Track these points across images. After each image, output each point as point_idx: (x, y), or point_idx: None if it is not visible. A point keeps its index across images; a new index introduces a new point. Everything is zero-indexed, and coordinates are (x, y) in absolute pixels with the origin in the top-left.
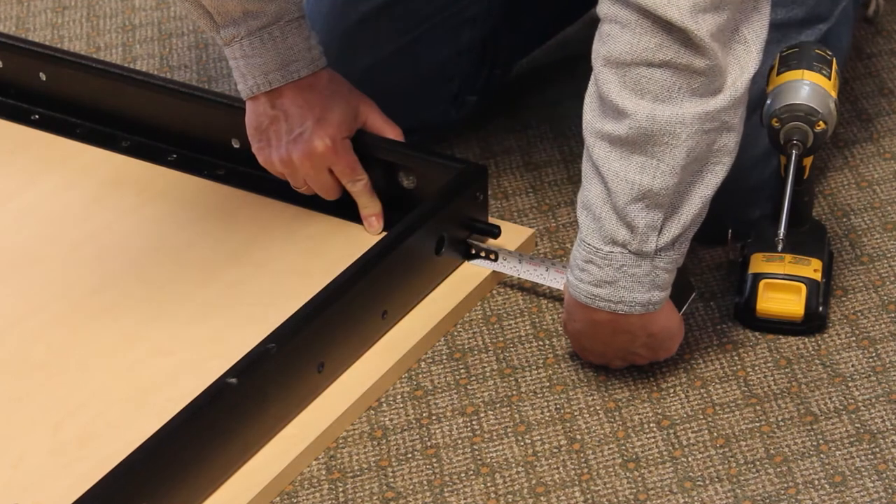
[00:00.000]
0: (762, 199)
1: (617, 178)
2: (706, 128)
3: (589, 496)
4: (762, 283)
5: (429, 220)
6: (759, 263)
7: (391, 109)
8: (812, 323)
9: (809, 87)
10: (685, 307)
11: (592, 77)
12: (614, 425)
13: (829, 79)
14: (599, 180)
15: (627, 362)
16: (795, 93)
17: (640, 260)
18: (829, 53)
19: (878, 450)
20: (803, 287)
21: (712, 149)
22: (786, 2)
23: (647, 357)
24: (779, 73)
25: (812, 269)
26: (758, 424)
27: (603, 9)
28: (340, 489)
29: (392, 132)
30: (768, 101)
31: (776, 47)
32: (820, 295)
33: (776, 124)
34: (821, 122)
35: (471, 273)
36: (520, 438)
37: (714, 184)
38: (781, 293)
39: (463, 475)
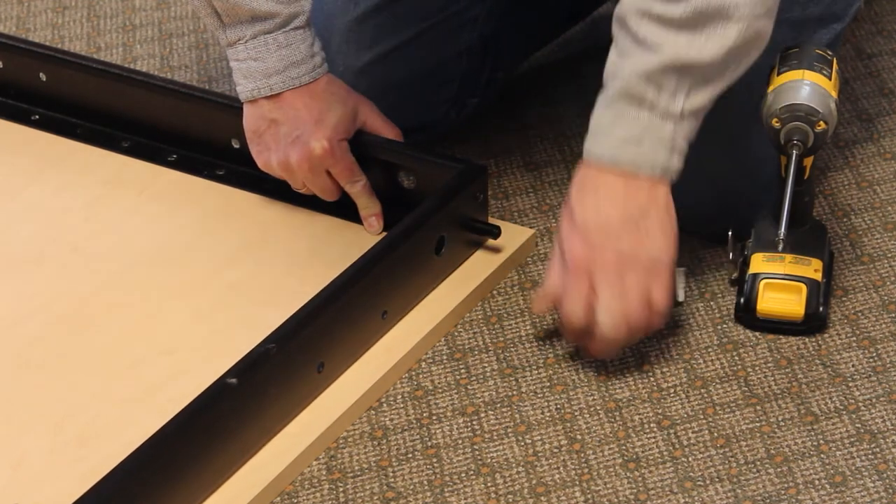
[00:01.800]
0: (769, 196)
1: (660, 50)
2: (757, 13)
3: (589, 496)
4: (762, 283)
5: (429, 220)
6: (760, 263)
7: (390, 108)
8: (812, 323)
9: (810, 87)
10: (682, 287)
11: None
12: (615, 425)
13: (830, 79)
14: (640, 51)
15: (618, 285)
16: (796, 93)
17: (665, 122)
18: (830, 53)
19: (878, 450)
20: (804, 287)
21: (758, 34)
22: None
23: (641, 280)
24: (779, 73)
25: (812, 269)
26: (758, 424)
27: None
28: (341, 489)
29: (391, 133)
30: (769, 101)
31: None
32: (820, 295)
33: (776, 124)
34: (821, 122)
35: (471, 273)
36: (520, 438)
37: (745, 66)
38: (782, 293)
39: (463, 475)
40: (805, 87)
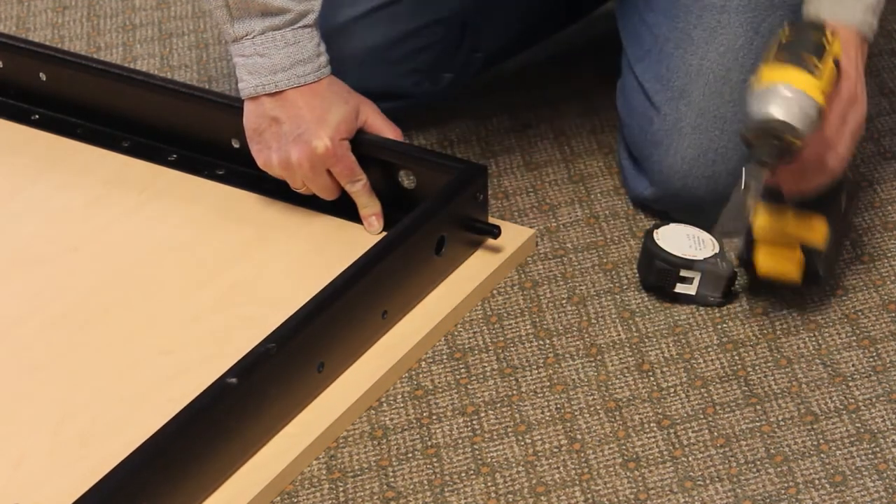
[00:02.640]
0: None
1: None
2: None
3: (589, 496)
4: (761, 245)
5: (429, 220)
6: (762, 220)
7: (365, 69)
8: (812, 281)
9: (787, 99)
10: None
11: None
12: (615, 425)
13: (818, 76)
14: None
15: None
16: (772, 105)
17: None
18: (830, 38)
19: (878, 449)
20: (802, 251)
21: None
22: None
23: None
24: (768, 65)
25: (815, 230)
26: (758, 424)
27: None
28: (341, 489)
29: (392, 132)
30: (748, 105)
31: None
32: (823, 257)
33: (748, 135)
34: (795, 140)
35: (471, 273)
36: (520, 438)
37: None
38: (781, 253)
39: (463, 475)
40: (781, 99)
